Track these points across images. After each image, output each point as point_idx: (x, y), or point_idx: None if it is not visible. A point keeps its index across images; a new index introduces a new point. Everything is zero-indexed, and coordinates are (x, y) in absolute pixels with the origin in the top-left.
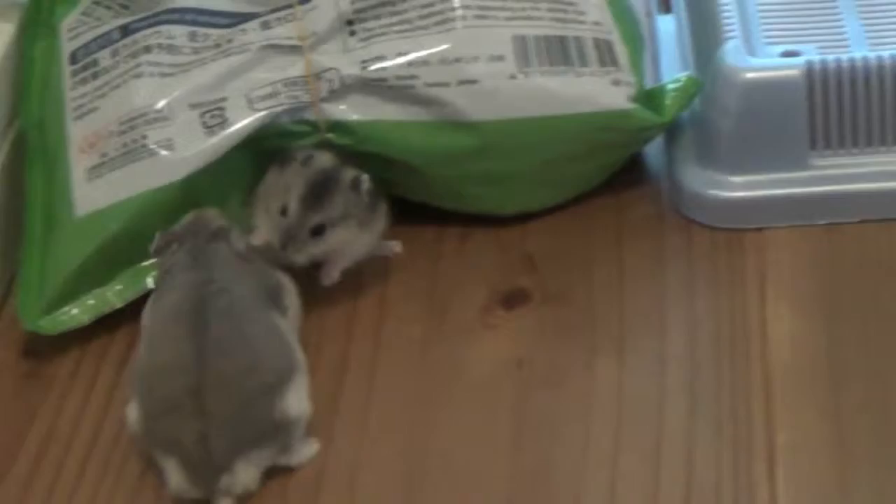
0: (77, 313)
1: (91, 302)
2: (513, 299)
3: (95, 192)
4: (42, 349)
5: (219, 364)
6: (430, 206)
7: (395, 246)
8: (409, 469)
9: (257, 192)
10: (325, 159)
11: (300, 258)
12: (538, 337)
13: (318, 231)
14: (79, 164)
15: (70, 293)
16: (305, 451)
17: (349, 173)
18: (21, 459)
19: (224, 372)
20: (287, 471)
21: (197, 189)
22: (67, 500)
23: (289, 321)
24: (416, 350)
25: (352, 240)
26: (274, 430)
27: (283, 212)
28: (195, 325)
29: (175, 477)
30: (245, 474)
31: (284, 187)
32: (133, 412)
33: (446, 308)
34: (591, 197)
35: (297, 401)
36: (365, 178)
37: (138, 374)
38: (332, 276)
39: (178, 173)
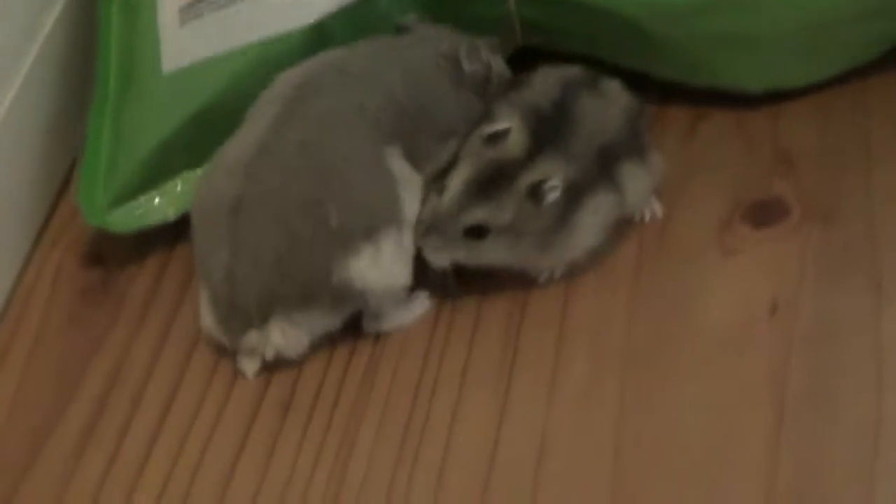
0: (160, 204)
1: (180, 188)
2: (763, 213)
3: (191, 39)
4: (110, 255)
5: (270, 179)
6: (652, 78)
7: None
8: (616, 465)
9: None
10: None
11: (437, 259)
12: (800, 268)
13: (473, 232)
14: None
15: (152, 176)
16: (406, 315)
17: (532, 174)
18: (80, 403)
19: (270, 191)
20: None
21: (327, 41)
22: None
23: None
24: (627, 282)
25: (519, 261)
26: (329, 294)
27: (440, 190)
28: (274, 122)
29: (204, 311)
30: (282, 337)
31: (452, 160)
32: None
33: (669, 223)
34: (865, 75)
35: (371, 270)
36: (551, 184)
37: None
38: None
39: (307, 16)
